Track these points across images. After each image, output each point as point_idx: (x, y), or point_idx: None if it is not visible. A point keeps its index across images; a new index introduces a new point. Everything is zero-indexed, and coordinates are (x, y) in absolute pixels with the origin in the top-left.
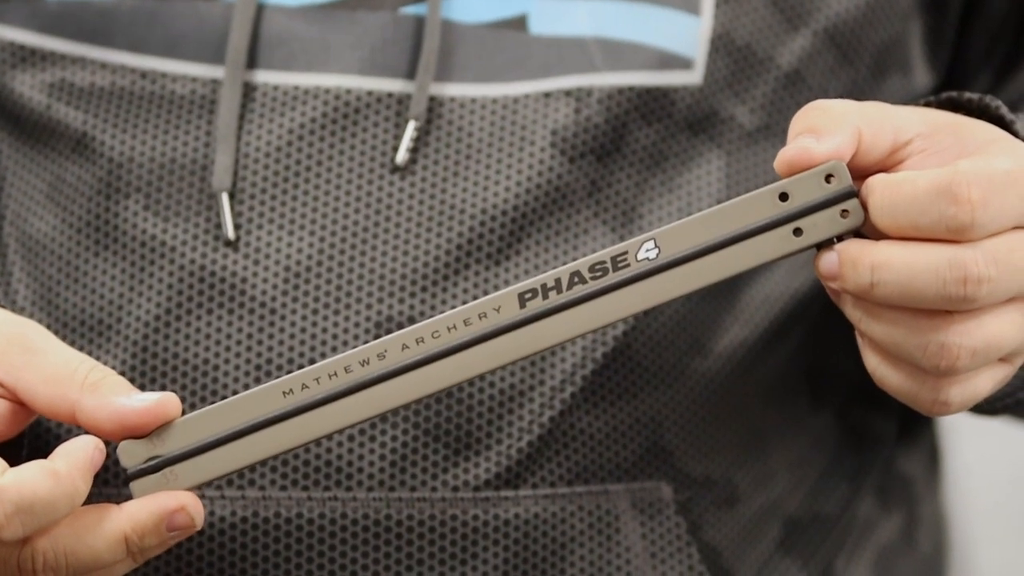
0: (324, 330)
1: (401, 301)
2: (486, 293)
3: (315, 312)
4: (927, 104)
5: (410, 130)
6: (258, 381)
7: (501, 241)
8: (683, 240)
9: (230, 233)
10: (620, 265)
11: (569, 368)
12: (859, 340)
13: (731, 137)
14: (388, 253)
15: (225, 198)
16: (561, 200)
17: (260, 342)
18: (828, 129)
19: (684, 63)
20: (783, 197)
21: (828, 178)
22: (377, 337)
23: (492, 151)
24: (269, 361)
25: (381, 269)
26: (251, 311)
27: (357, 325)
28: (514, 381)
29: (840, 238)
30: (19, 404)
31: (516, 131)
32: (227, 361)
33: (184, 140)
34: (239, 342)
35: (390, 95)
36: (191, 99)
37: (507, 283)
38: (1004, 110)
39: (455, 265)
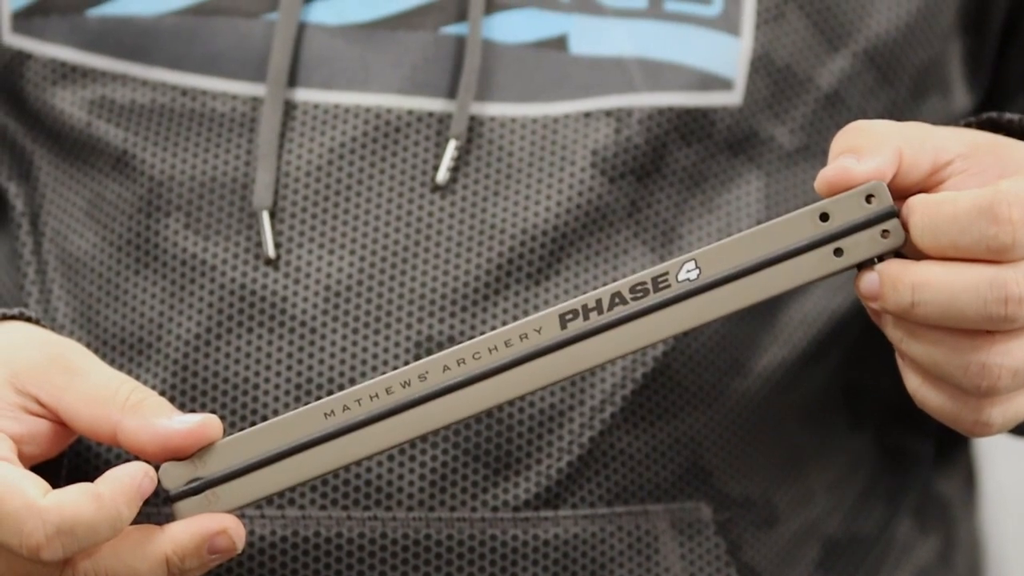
0: (364, 349)
1: (441, 321)
2: (526, 313)
3: (355, 331)
4: (967, 125)
5: (451, 149)
6: (298, 400)
7: (541, 261)
8: (724, 260)
9: (270, 251)
10: (661, 286)
11: (609, 388)
12: (899, 361)
13: (771, 158)
14: (428, 272)
15: (266, 216)
16: (601, 220)
17: (300, 361)
18: (869, 149)
19: (724, 84)
20: (824, 217)
21: (869, 198)
22: (418, 357)
23: (532, 171)
24: (309, 380)
25: (421, 289)
26: (291, 330)
27: (397, 345)
28: (554, 401)
29: (881, 258)
30: (60, 424)
31: (556, 151)
32: (267, 380)
33: (224, 159)
34: (279, 361)
35: (431, 114)
36: (231, 117)
37: (547, 303)
38: None
39: (495, 285)
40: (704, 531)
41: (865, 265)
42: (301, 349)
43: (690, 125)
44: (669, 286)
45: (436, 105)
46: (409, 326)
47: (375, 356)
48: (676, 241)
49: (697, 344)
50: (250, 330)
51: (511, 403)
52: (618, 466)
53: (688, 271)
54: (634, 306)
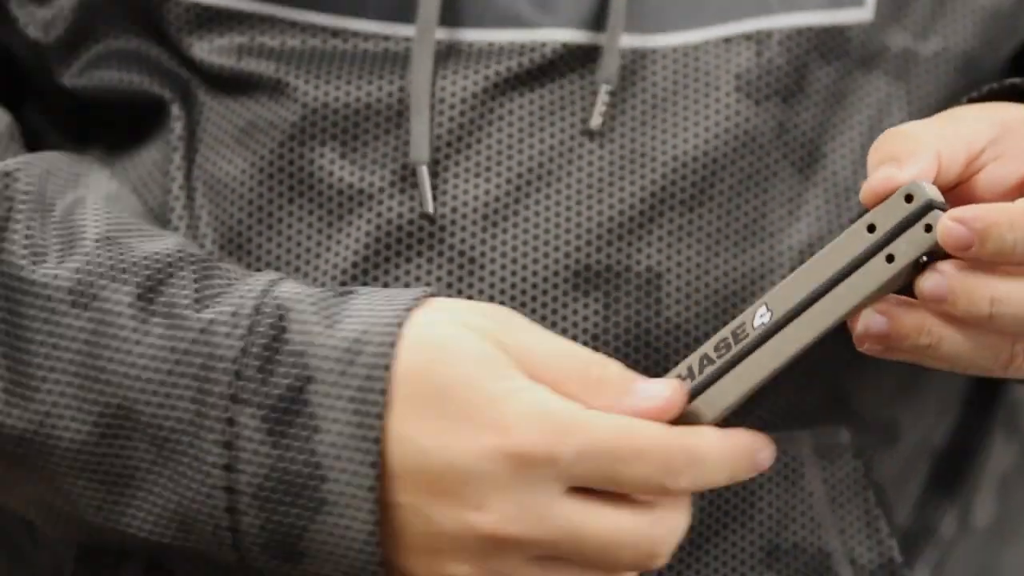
0: (523, 279)
1: (599, 250)
2: (680, 240)
3: (514, 261)
4: (989, 91)
5: (603, 94)
6: None
7: (694, 187)
8: (790, 296)
9: (429, 208)
10: (740, 337)
11: None
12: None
13: (905, 67)
14: (583, 202)
15: (424, 171)
16: (751, 143)
17: (459, 292)
18: (908, 155)
19: (855, 0)
20: (871, 228)
21: (908, 198)
22: (576, 287)
23: (678, 99)
24: None
25: (577, 217)
26: (450, 260)
27: (556, 274)
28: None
29: (930, 255)
30: None
31: (700, 78)
32: None
33: (378, 85)
34: (438, 291)
35: (580, 47)
36: (383, 56)
37: (701, 229)
38: None
39: (650, 213)
40: (844, 455)
41: (922, 266)
42: (460, 279)
43: (828, 43)
44: (747, 335)
45: (585, 38)
46: (567, 255)
47: (534, 286)
48: (820, 160)
49: None
50: (408, 260)
51: None
52: (769, 393)
53: (761, 316)
54: (720, 363)
